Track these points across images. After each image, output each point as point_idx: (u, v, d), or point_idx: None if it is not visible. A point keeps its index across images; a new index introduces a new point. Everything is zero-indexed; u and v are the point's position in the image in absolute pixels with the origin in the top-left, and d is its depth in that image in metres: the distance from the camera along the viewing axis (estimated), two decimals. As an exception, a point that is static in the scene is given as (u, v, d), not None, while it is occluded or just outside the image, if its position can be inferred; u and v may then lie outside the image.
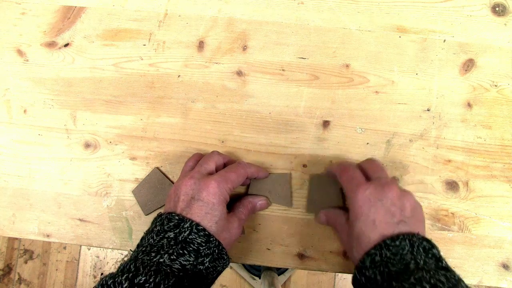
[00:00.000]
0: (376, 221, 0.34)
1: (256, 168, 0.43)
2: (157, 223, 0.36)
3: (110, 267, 1.21)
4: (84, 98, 0.47)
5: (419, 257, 0.33)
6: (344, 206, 0.43)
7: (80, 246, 1.23)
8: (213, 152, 0.42)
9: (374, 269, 0.33)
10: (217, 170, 0.40)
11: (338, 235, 0.39)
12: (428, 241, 0.34)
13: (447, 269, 0.33)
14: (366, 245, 0.34)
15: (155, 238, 0.35)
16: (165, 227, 0.35)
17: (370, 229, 0.34)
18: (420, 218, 0.36)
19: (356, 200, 0.36)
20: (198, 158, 0.42)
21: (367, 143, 0.46)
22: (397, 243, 0.33)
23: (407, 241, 0.33)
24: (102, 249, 1.22)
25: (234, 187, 0.39)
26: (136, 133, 0.47)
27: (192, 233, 0.34)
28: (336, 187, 0.44)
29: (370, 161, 0.41)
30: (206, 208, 0.36)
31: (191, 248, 0.34)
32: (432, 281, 0.30)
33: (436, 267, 0.33)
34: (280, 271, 1.10)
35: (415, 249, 0.33)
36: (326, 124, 0.46)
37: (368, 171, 0.39)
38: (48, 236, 0.46)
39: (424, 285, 0.29)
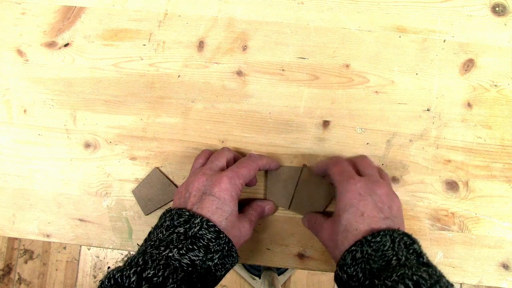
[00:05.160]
0: (365, 214, 0.35)
1: (267, 160, 0.42)
2: (167, 218, 0.36)
3: (110, 267, 1.21)
4: (84, 98, 0.47)
5: (400, 253, 0.32)
6: (327, 211, 0.44)
7: (80, 246, 1.23)
8: (223, 148, 0.43)
9: (355, 266, 0.33)
10: (227, 166, 0.40)
11: (318, 235, 0.39)
12: (409, 236, 0.34)
13: (429, 264, 0.33)
14: (353, 237, 0.34)
15: (164, 232, 0.35)
16: (175, 222, 0.35)
17: (359, 220, 0.35)
18: (403, 219, 0.38)
19: (346, 192, 0.36)
20: (208, 154, 0.42)
21: (367, 143, 0.46)
22: (378, 239, 0.33)
23: (388, 237, 0.33)
24: (102, 249, 1.22)
25: (246, 181, 0.39)
26: (136, 133, 0.47)
27: (203, 229, 0.34)
28: (322, 189, 0.44)
29: (362, 157, 0.42)
30: (217, 203, 0.36)
31: (200, 244, 0.34)
32: (414, 278, 0.29)
33: (418, 263, 0.32)
34: (280, 271, 1.10)
35: (396, 245, 0.33)
36: (326, 124, 0.46)
37: (359, 166, 0.40)
38: (48, 236, 0.46)
39: (407, 283, 0.29)
